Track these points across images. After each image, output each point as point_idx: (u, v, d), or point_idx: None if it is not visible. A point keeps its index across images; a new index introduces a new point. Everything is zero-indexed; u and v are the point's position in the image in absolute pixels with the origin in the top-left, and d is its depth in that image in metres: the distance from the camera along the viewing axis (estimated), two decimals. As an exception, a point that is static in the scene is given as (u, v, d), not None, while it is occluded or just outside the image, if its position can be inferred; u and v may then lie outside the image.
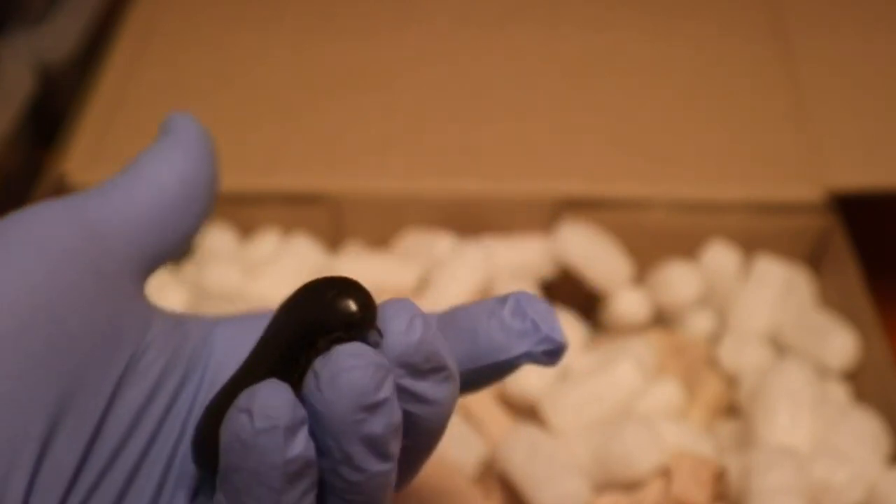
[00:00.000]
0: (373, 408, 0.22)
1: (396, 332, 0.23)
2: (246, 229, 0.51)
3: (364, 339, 0.22)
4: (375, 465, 0.22)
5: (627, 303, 0.49)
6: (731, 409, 0.45)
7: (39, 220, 0.25)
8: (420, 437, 0.24)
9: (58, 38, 0.59)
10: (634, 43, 0.56)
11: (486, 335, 0.26)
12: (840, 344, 0.45)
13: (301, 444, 0.22)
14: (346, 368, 0.21)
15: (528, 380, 0.43)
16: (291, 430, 0.22)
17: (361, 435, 0.22)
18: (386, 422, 0.22)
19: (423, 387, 0.23)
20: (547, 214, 0.50)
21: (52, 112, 0.59)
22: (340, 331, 0.22)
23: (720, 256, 0.49)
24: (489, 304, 0.26)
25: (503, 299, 0.26)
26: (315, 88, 0.54)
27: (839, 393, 0.45)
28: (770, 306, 0.47)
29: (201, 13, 0.59)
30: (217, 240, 0.50)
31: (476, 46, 0.57)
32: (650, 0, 0.59)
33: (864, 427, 0.42)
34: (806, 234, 0.49)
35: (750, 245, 0.50)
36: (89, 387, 0.24)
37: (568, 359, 0.44)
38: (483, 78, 0.55)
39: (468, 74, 0.55)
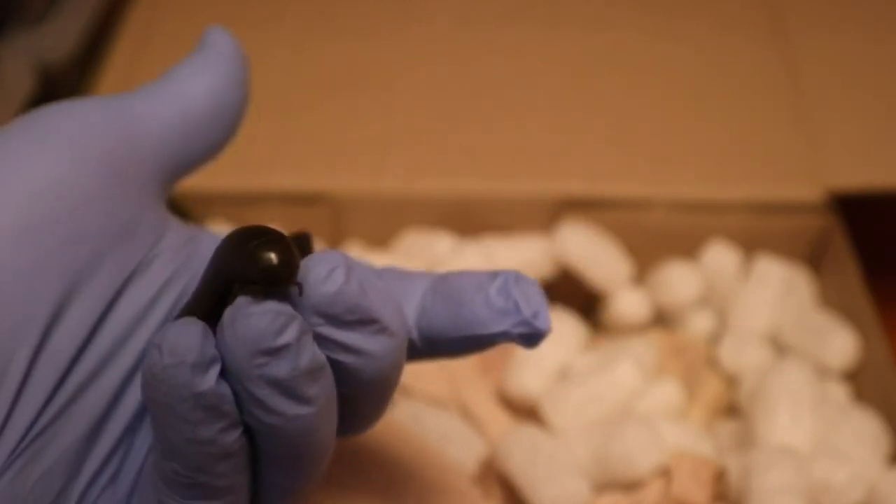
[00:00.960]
0: (273, 352, 0.22)
1: (313, 282, 0.23)
2: (246, 229, 0.51)
3: (283, 293, 0.23)
4: (292, 409, 0.23)
5: (627, 303, 0.49)
6: (731, 409, 0.45)
7: (70, 116, 0.26)
8: (360, 387, 0.25)
9: (58, 38, 0.59)
10: (634, 43, 0.56)
11: (470, 307, 0.26)
12: (840, 344, 0.45)
13: (211, 381, 0.22)
14: (245, 315, 0.22)
15: (528, 380, 0.43)
16: (199, 367, 0.22)
17: (266, 378, 0.22)
18: (291, 366, 0.22)
19: (350, 337, 0.24)
20: (547, 214, 0.50)
21: (52, 112, 0.59)
22: (258, 282, 0.22)
23: (720, 256, 0.49)
24: (480, 277, 0.27)
25: (494, 275, 0.27)
26: (315, 88, 0.54)
27: (839, 393, 0.45)
28: (770, 306, 0.47)
29: (201, 13, 0.59)
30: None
31: (476, 46, 0.57)
32: (650, 0, 0.59)
33: (864, 427, 0.42)
34: (806, 234, 0.49)
35: (750, 245, 0.50)
36: (97, 283, 0.25)
37: (568, 359, 0.44)
38: (483, 78, 0.55)
39: (468, 74, 0.55)
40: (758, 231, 0.49)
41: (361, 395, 0.25)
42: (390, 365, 0.25)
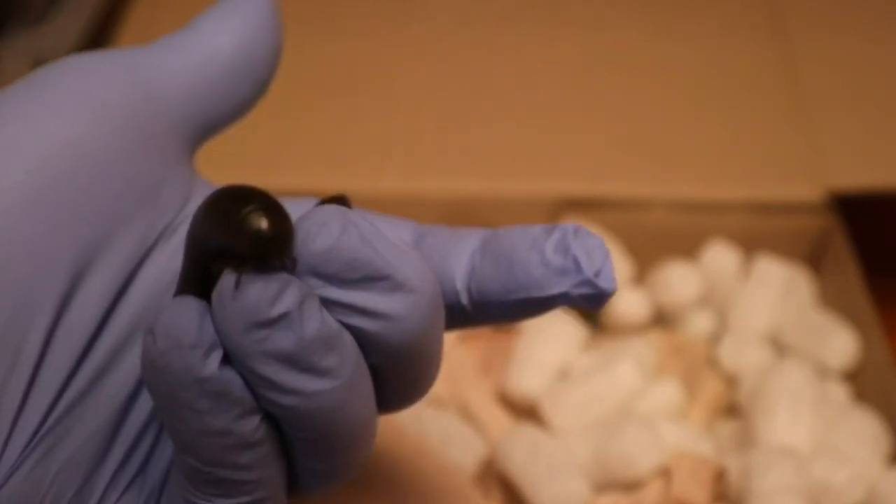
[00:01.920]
0: (272, 323, 0.19)
1: (304, 238, 0.20)
2: (246, 229, 0.51)
3: (277, 268, 0.20)
4: (309, 384, 0.20)
5: (627, 303, 0.49)
6: (731, 409, 0.45)
7: (85, 71, 0.24)
8: (389, 355, 0.22)
9: (58, 38, 0.59)
10: (634, 43, 0.56)
11: (524, 267, 0.23)
12: (840, 344, 0.45)
13: (213, 365, 0.20)
14: (233, 289, 0.20)
15: (528, 380, 0.43)
16: (198, 349, 0.20)
17: (271, 353, 0.20)
18: (295, 337, 0.20)
19: (359, 297, 0.21)
20: (547, 214, 0.50)
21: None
22: (248, 258, 0.19)
23: (720, 256, 0.49)
24: (534, 231, 0.23)
25: (550, 229, 0.23)
26: (315, 88, 0.54)
27: (839, 393, 0.45)
28: (770, 306, 0.47)
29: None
30: (217, 240, 0.50)
31: (476, 46, 0.57)
32: (650, 0, 0.59)
33: (864, 427, 0.42)
34: (806, 234, 0.49)
35: (750, 245, 0.50)
36: (117, 251, 0.23)
37: (568, 359, 0.44)
38: (483, 78, 0.55)
39: (468, 74, 0.55)
40: (758, 231, 0.49)
41: (393, 365, 0.22)
42: (419, 326, 0.21)
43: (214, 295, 0.20)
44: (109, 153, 0.23)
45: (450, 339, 0.45)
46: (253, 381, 0.20)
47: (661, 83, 0.54)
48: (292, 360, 0.20)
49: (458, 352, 0.45)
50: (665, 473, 0.40)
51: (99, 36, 0.61)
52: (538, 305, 0.23)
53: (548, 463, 0.39)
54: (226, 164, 0.52)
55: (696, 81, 0.54)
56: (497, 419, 0.42)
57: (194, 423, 0.20)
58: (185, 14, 0.64)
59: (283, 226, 0.19)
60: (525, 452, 0.39)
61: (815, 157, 0.50)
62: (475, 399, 0.43)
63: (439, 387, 0.43)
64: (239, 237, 0.19)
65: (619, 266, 0.48)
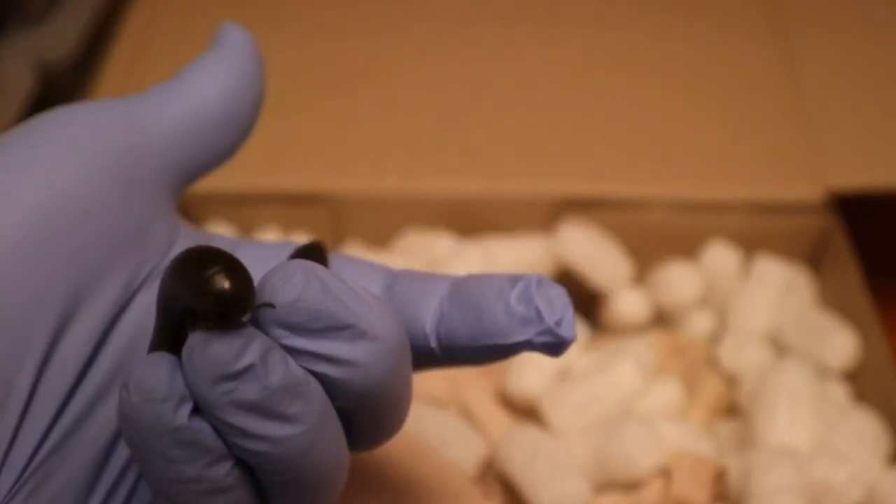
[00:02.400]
0: (237, 376, 0.21)
1: (270, 292, 0.22)
2: (246, 229, 0.51)
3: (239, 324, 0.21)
4: (277, 430, 0.21)
5: (627, 303, 0.49)
6: (731, 409, 0.45)
7: (75, 122, 0.25)
8: (355, 400, 0.23)
9: (58, 38, 0.59)
10: (634, 43, 0.56)
11: (490, 315, 0.25)
12: (840, 344, 0.45)
13: (183, 416, 0.21)
14: (200, 345, 0.21)
15: (528, 380, 0.43)
16: (169, 402, 0.21)
17: (237, 404, 0.21)
18: (260, 386, 0.21)
19: (323, 346, 0.22)
20: (547, 214, 0.50)
21: (52, 112, 0.59)
22: (211, 317, 0.21)
23: (720, 256, 0.49)
24: (501, 281, 0.25)
25: (515, 279, 0.25)
26: (315, 88, 0.54)
27: (839, 393, 0.45)
28: (770, 306, 0.47)
29: (201, 13, 0.59)
30: (217, 240, 0.50)
31: (476, 46, 0.57)
32: (650, 0, 0.59)
33: (864, 427, 0.42)
34: (806, 234, 0.49)
35: (750, 245, 0.50)
36: (104, 294, 0.24)
37: (568, 359, 0.44)
38: (483, 78, 0.55)
39: (468, 74, 0.55)
40: (758, 231, 0.49)
41: (361, 408, 0.23)
42: (383, 371, 0.23)
43: (184, 351, 0.21)
44: (97, 200, 0.24)
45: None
46: (223, 430, 0.21)
47: (661, 83, 0.54)
48: (259, 409, 0.21)
49: (458, 352, 0.45)
50: (665, 473, 0.40)
51: (99, 36, 0.61)
52: (503, 351, 0.25)
53: (548, 463, 0.39)
54: (227, 163, 0.52)
55: (696, 81, 0.54)
56: (497, 419, 0.42)
57: (168, 471, 0.21)
58: (185, 14, 0.65)
59: (244, 286, 0.20)
60: (525, 452, 0.39)
61: (815, 157, 0.50)
62: (475, 399, 0.43)
63: (439, 387, 0.43)
64: (204, 297, 0.20)
65: (620, 266, 0.49)
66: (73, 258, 0.23)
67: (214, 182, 0.51)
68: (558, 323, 0.25)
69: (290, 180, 0.50)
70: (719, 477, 0.40)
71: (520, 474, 0.39)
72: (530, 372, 0.43)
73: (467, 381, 0.44)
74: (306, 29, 0.58)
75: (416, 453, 0.39)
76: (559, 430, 0.42)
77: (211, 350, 0.21)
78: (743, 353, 0.45)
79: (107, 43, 0.58)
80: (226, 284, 0.20)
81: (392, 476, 0.39)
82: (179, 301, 0.21)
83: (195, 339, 0.21)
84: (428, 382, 0.43)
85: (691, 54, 0.56)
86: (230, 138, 0.28)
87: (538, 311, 0.24)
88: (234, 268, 0.20)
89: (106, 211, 0.24)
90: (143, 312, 0.25)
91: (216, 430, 0.22)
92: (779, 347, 0.47)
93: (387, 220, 0.50)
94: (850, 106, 0.52)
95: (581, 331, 0.46)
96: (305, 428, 0.22)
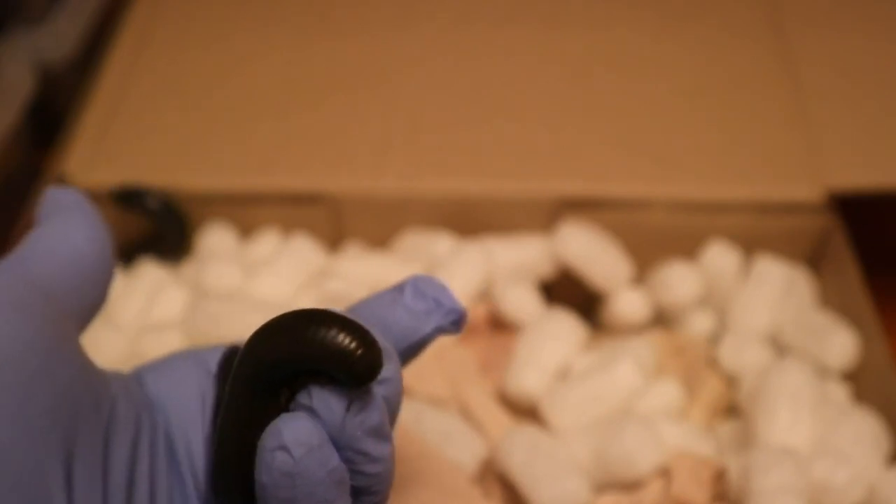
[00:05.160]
0: (365, 406, 0.24)
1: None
2: (246, 229, 0.51)
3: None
4: (386, 449, 0.25)
5: (627, 303, 0.49)
6: (731, 409, 0.45)
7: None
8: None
9: (58, 38, 0.59)
10: (634, 43, 0.56)
11: (396, 322, 0.28)
12: (840, 344, 0.45)
13: (335, 454, 0.24)
14: (332, 392, 0.24)
15: (528, 380, 0.43)
16: (324, 446, 0.24)
17: (367, 430, 0.24)
18: (379, 411, 0.25)
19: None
20: (547, 214, 0.50)
21: (52, 112, 0.59)
22: (348, 381, 0.24)
23: (720, 256, 0.49)
24: (388, 294, 0.29)
25: (400, 287, 0.28)
26: (315, 88, 0.54)
27: (839, 393, 0.45)
28: (770, 306, 0.47)
29: (200, 13, 0.59)
30: (217, 239, 0.50)
31: (476, 46, 0.57)
32: (650, 0, 0.59)
33: (864, 427, 0.42)
34: (806, 234, 0.49)
35: (750, 245, 0.50)
36: (87, 437, 0.24)
37: (568, 359, 0.44)
38: (483, 78, 0.55)
39: (468, 74, 0.55)
40: (758, 231, 0.49)
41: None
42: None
43: (318, 399, 0.24)
44: (54, 354, 0.24)
45: (450, 339, 0.45)
46: (353, 460, 0.25)
47: (661, 83, 0.54)
48: (378, 433, 0.25)
49: (458, 352, 0.45)
50: (665, 473, 0.40)
51: (99, 36, 0.61)
52: (417, 347, 0.29)
53: (548, 463, 0.39)
54: (226, 164, 0.52)
55: (696, 81, 0.54)
56: (497, 419, 0.42)
57: None
58: (185, 14, 0.64)
59: (378, 357, 0.24)
60: (525, 452, 0.39)
61: (815, 157, 0.50)
62: (475, 399, 0.43)
63: (439, 387, 0.43)
64: (347, 365, 0.24)
65: (620, 266, 0.49)
66: (57, 405, 0.23)
67: (214, 182, 0.51)
68: (453, 302, 0.28)
69: (290, 180, 0.50)
70: (719, 477, 0.40)
71: (520, 474, 0.39)
72: (530, 372, 0.43)
73: (467, 381, 0.44)
74: (306, 29, 0.58)
75: (416, 453, 0.39)
76: (559, 429, 0.42)
77: (372, 403, 0.24)
78: (743, 353, 0.45)
79: (107, 43, 0.58)
80: (378, 358, 0.24)
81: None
82: (293, 366, 0.24)
83: (330, 389, 0.24)
84: (428, 382, 0.43)
85: (691, 54, 0.56)
86: (105, 279, 0.28)
87: (435, 300, 0.28)
88: (370, 338, 0.24)
89: (63, 359, 0.24)
90: (126, 452, 0.26)
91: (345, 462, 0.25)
92: (779, 347, 0.47)
93: (387, 220, 0.50)
94: (850, 106, 0.52)
95: (581, 331, 0.46)
96: (392, 444, 0.26)
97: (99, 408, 0.25)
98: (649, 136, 0.52)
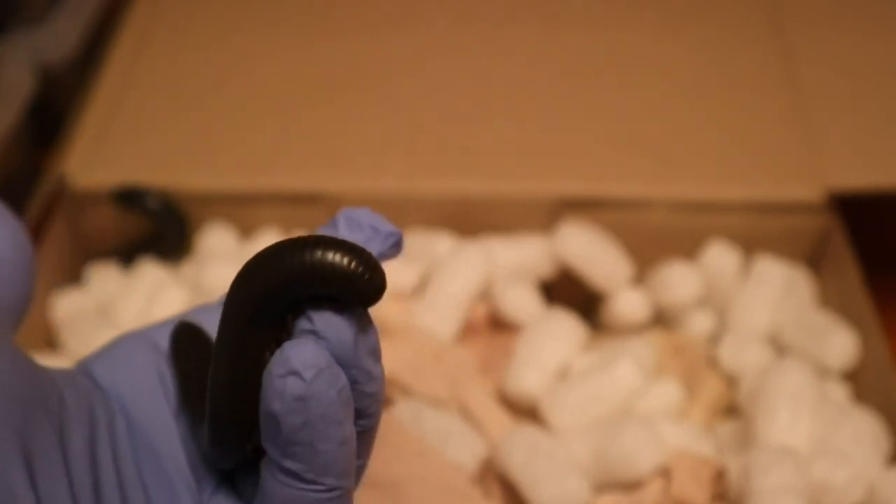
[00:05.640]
0: (367, 328, 0.24)
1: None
2: (246, 229, 0.51)
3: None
4: (381, 368, 0.25)
5: (627, 303, 0.49)
6: (731, 409, 0.45)
7: None
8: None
9: (58, 38, 0.59)
10: (634, 43, 0.56)
11: None
12: (840, 344, 0.45)
13: (342, 373, 0.24)
14: (339, 314, 0.24)
15: (528, 380, 0.43)
16: (332, 366, 0.24)
17: (369, 350, 0.24)
18: (376, 333, 0.25)
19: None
20: (547, 214, 0.50)
21: (52, 112, 0.59)
22: (359, 303, 0.24)
23: (720, 256, 0.49)
24: (323, 230, 0.28)
25: (333, 222, 0.28)
26: (315, 88, 0.54)
27: (839, 393, 0.45)
28: (770, 306, 0.47)
29: (201, 14, 0.59)
30: (217, 239, 0.50)
31: (476, 46, 0.57)
32: (650, 0, 0.59)
33: (864, 427, 0.42)
34: (806, 234, 0.49)
35: (750, 245, 0.50)
36: (42, 435, 0.24)
37: (568, 358, 0.44)
38: (483, 78, 0.55)
39: (468, 74, 0.55)
40: (758, 231, 0.49)
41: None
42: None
43: (320, 321, 0.24)
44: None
45: (450, 339, 0.45)
46: (356, 378, 0.24)
47: (661, 83, 0.54)
48: (375, 353, 0.25)
49: (458, 352, 0.45)
50: (665, 473, 0.40)
51: (99, 36, 0.61)
52: None
53: (548, 463, 0.39)
54: (226, 164, 0.52)
55: (696, 81, 0.54)
56: (497, 419, 0.42)
57: (337, 434, 0.24)
58: (185, 14, 0.64)
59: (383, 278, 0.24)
60: (525, 452, 0.39)
61: (815, 157, 0.50)
62: (475, 399, 0.43)
63: (439, 387, 0.43)
64: (362, 289, 0.24)
65: (620, 266, 0.49)
66: (13, 409, 0.24)
67: (214, 182, 0.51)
68: (388, 227, 0.28)
69: (290, 180, 0.50)
70: (719, 477, 0.40)
71: (520, 474, 0.39)
72: (530, 372, 0.43)
73: (467, 381, 0.44)
74: (306, 29, 0.58)
75: (416, 453, 0.39)
76: (559, 429, 0.42)
77: (350, 313, 0.24)
78: (743, 353, 0.45)
79: (107, 43, 0.58)
80: (382, 278, 0.24)
81: (392, 475, 0.39)
82: (297, 292, 0.24)
83: (333, 311, 0.24)
84: (428, 382, 0.43)
85: (691, 54, 0.56)
86: (28, 284, 0.28)
87: (372, 228, 0.28)
88: (374, 261, 0.24)
89: (11, 363, 0.24)
90: (84, 451, 0.26)
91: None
92: (779, 347, 0.47)
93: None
94: (850, 106, 0.52)
95: (581, 330, 0.46)
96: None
97: (48, 404, 0.25)
98: (649, 136, 0.52)
